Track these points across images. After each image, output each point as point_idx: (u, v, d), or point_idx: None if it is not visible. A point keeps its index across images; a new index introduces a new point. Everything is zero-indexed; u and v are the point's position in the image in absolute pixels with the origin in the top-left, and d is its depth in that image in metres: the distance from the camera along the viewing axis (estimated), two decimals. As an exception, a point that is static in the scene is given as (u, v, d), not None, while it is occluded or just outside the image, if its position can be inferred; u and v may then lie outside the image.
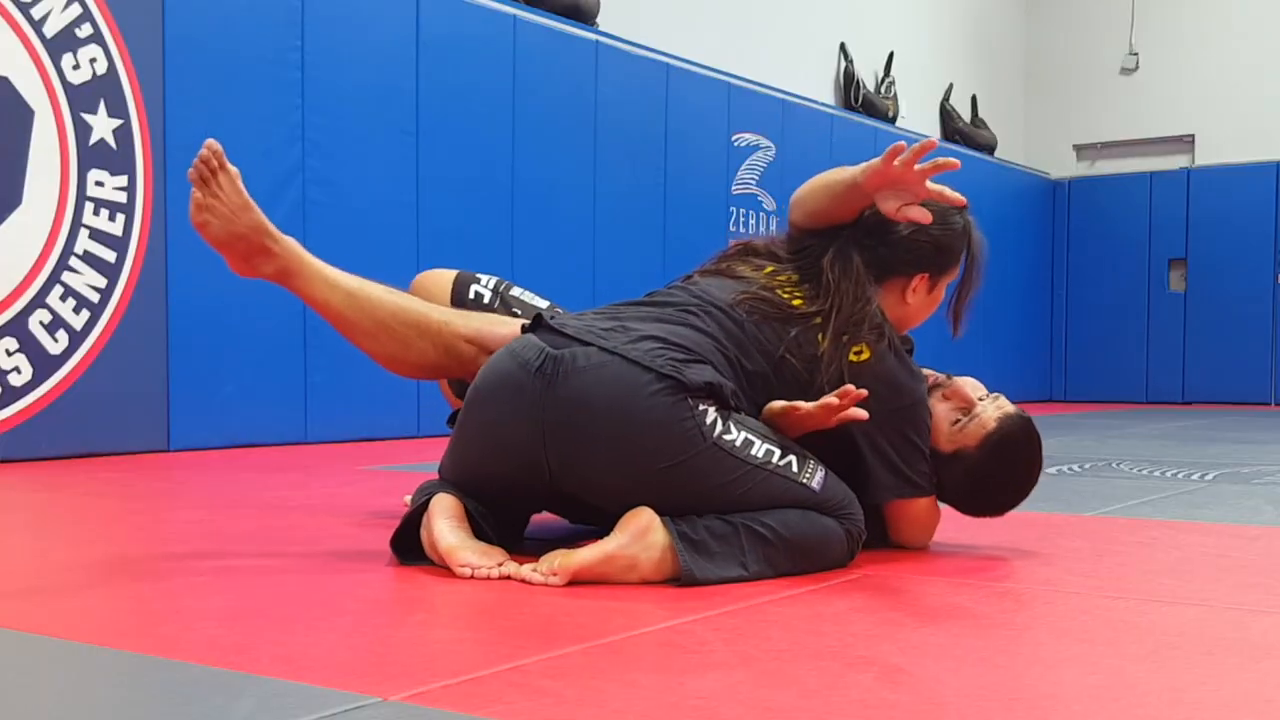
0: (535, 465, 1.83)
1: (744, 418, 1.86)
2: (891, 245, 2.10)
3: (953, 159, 1.96)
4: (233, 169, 1.94)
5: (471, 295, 2.42)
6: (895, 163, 1.95)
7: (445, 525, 1.82)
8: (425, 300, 2.37)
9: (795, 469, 1.84)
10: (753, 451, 1.81)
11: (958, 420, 2.05)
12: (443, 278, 2.48)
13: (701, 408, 1.79)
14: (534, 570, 1.73)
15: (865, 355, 1.96)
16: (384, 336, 2.03)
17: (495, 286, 2.44)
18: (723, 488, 1.79)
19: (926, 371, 2.12)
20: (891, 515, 2.06)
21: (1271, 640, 1.45)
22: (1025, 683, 1.24)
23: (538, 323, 1.92)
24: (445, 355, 2.04)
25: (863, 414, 1.83)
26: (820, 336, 1.98)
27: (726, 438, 1.80)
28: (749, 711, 1.11)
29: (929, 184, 1.96)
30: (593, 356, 1.80)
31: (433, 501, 1.86)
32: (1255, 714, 1.13)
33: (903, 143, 1.99)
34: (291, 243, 2.00)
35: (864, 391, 1.82)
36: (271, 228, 1.97)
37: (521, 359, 1.83)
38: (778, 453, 1.84)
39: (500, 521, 1.92)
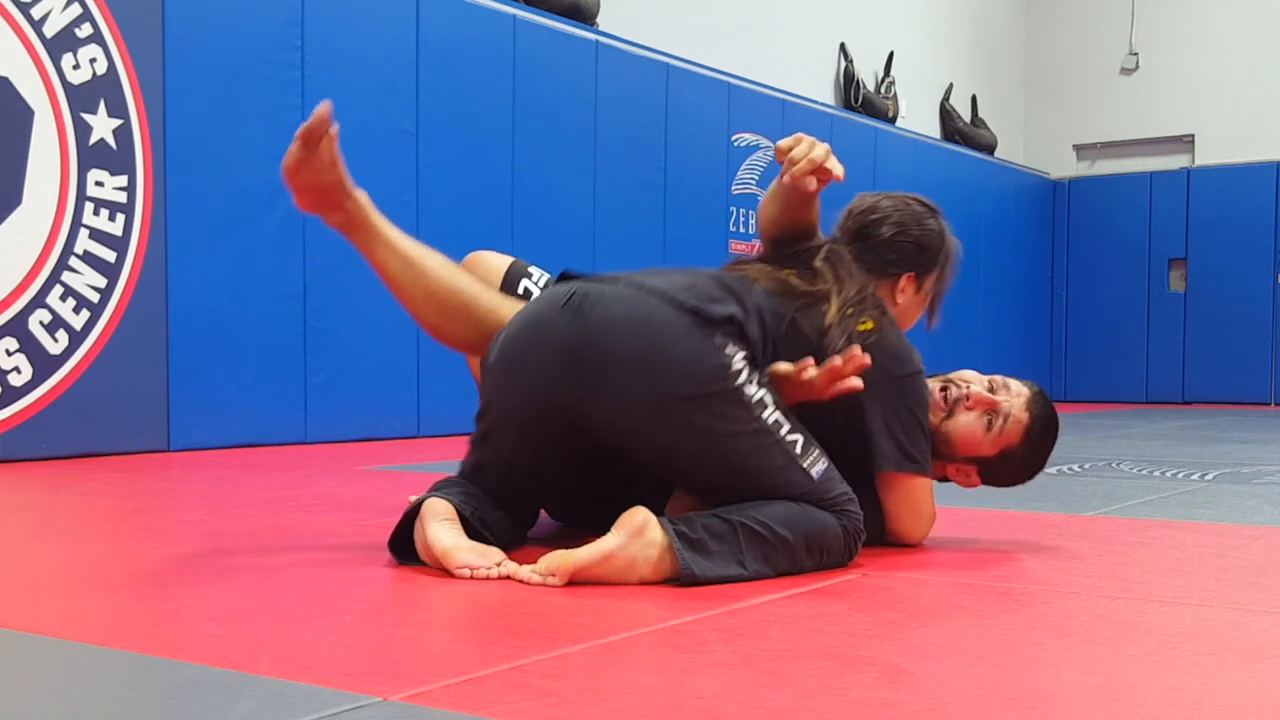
0: (553, 405, 1.85)
1: (768, 384, 1.88)
2: (876, 248, 2.19)
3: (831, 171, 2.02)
4: (333, 129, 1.99)
5: (521, 290, 2.47)
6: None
7: (439, 528, 1.82)
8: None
9: (799, 450, 1.85)
10: (765, 414, 1.83)
11: (991, 424, 2.11)
12: (497, 263, 2.52)
13: (729, 349, 1.82)
14: (532, 571, 1.73)
15: (869, 326, 2.01)
16: (431, 307, 2.06)
17: (546, 284, 2.49)
18: (730, 439, 1.80)
19: (932, 382, 2.15)
20: (888, 493, 2.06)
21: (1271, 640, 1.45)
22: (1025, 683, 1.24)
23: (564, 275, 1.99)
24: (484, 338, 2.07)
25: (859, 384, 1.87)
26: (825, 309, 2.02)
27: (747, 390, 1.82)
28: (749, 711, 1.11)
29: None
30: (621, 291, 1.87)
31: (424, 505, 1.86)
32: (1255, 714, 1.13)
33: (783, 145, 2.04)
34: (363, 201, 2.06)
35: (868, 360, 1.86)
36: (350, 185, 2.02)
37: (550, 298, 1.90)
38: (787, 426, 1.85)
39: (497, 522, 1.93)
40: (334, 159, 1.98)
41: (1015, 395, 2.14)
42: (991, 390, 2.13)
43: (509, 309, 2.07)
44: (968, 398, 2.12)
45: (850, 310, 2.01)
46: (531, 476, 1.98)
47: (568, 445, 1.91)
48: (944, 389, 2.13)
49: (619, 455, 1.91)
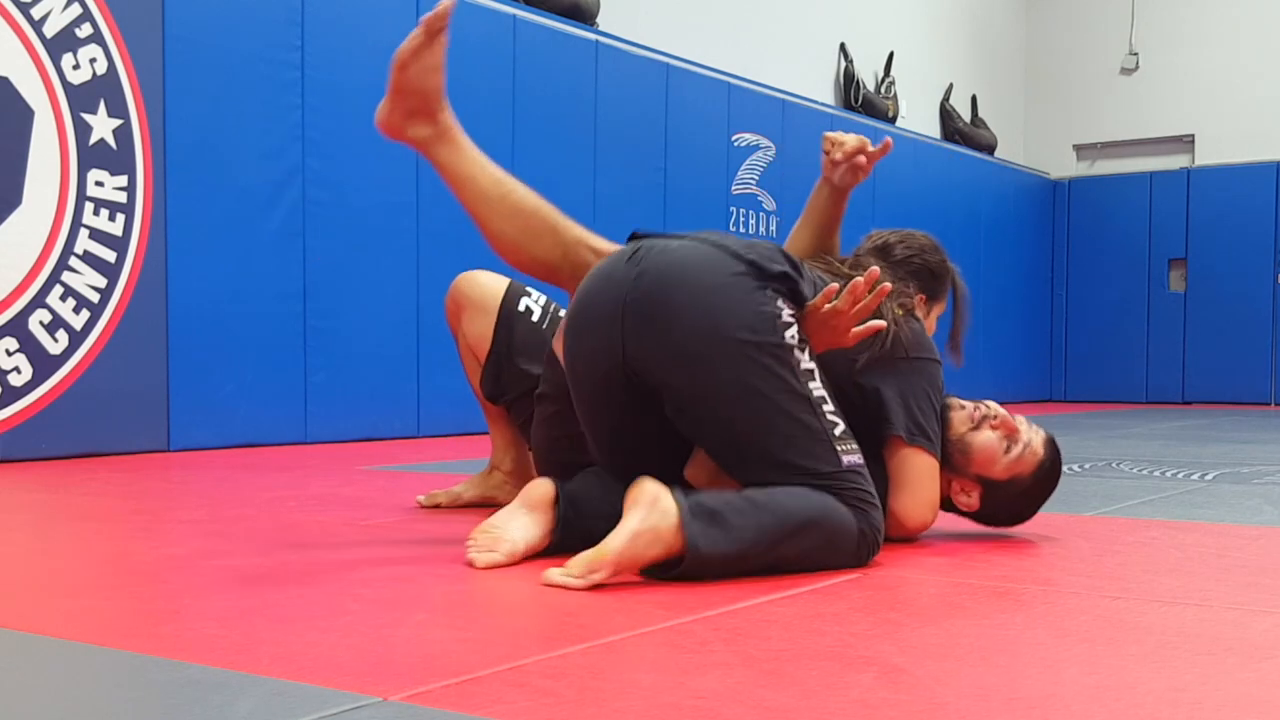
0: (610, 360, 1.90)
1: (815, 356, 1.92)
2: (893, 267, 2.31)
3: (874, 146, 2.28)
4: (445, 36, 2.00)
5: (522, 308, 2.50)
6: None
7: (513, 504, 1.92)
8: (470, 301, 2.54)
9: (837, 433, 1.87)
10: (811, 385, 1.87)
11: (1010, 448, 2.16)
12: (493, 284, 2.57)
13: (781, 305, 1.88)
14: (566, 574, 1.68)
15: (899, 313, 2.12)
16: (518, 223, 2.10)
17: (545, 305, 2.53)
18: (772, 395, 1.83)
19: (958, 401, 2.22)
20: (891, 459, 2.09)
21: (1271, 640, 1.45)
22: (1025, 683, 1.24)
23: (634, 235, 2.07)
24: (565, 260, 2.11)
25: (881, 324, 1.96)
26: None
27: (798, 353, 1.87)
28: (749, 711, 1.11)
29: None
30: (684, 241, 1.95)
31: (534, 482, 1.95)
32: (1255, 714, 1.13)
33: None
34: (454, 118, 2.08)
35: (888, 287, 1.95)
36: (445, 99, 2.05)
37: (617, 255, 1.99)
38: (830, 406, 1.88)
39: (600, 511, 1.92)
40: (441, 63, 2.00)
41: (1035, 432, 2.21)
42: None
43: (598, 241, 2.13)
44: (995, 417, 2.18)
45: (892, 293, 2.13)
46: (633, 442, 2.00)
47: (636, 404, 1.94)
48: (976, 407, 2.20)
49: (667, 409, 1.93)
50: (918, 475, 2.09)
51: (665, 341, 1.86)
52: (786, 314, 1.89)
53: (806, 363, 1.88)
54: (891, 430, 2.07)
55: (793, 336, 1.88)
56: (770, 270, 1.90)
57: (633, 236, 2.05)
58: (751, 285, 1.87)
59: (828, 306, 1.91)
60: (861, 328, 1.93)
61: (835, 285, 1.91)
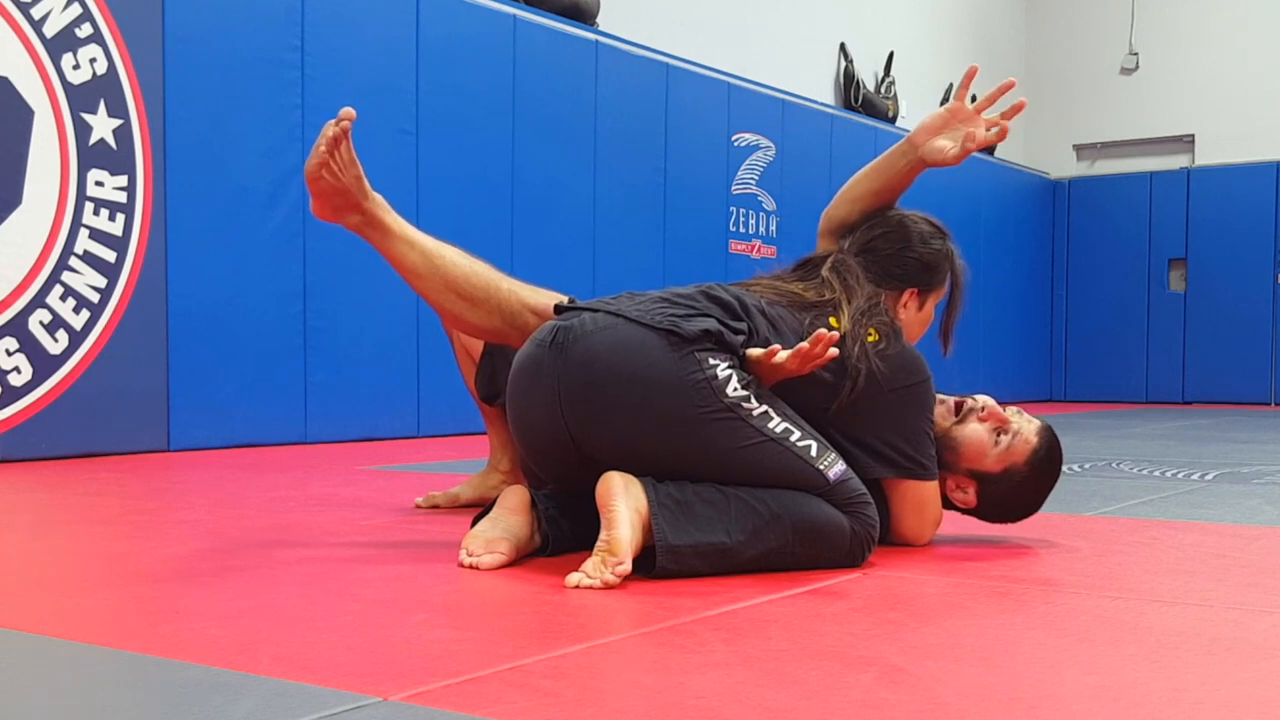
0: (561, 440, 1.89)
1: (774, 397, 1.90)
2: (882, 262, 2.24)
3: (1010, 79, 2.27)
4: (348, 141, 2.01)
5: None
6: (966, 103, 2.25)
7: (493, 512, 1.91)
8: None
9: (814, 453, 1.86)
10: (771, 425, 1.84)
11: (999, 440, 2.12)
12: None
13: (712, 362, 1.83)
14: (589, 577, 1.69)
15: (874, 338, 2.04)
16: (453, 295, 2.10)
17: None
18: (736, 453, 1.81)
19: (946, 396, 2.17)
20: (894, 498, 2.07)
21: (1271, 640, 1.45)
22: (1025, 683, 1.24)
23: (557, 308, 2.03)
24: (507, 322, 2.11)
25: (835, 352, 1.86)
26: (834, 320, 2.05)
27: (746, 405, 1.83)
28: (749, 711, 1.11)
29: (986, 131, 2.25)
30: (599, 320, 1.89)
31: (506, 490, 1.97)
32: (1255, 714, 1.13)
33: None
34: (380, 200, 2.09)
35: (836, 334, 1.85)
36: (368, 186, 2.06)
37: (538, 339, 1.94)
38: (797, 434, 1.86)
39: (575, 516, 1.95)
40: (352, 157, 2.02)
41: (1027, 421, 2.17)
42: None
43: (529, 293, 2.11)
44: (982, 409, 2.14)
45: (864, 317, 2.05)
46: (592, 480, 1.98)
47: (583, 464, 1.92)
48: (960, 401, 2.16)
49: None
50: (918, 503, 2.07)
51: (609, 433, 1.85)
52: (721, 370, 1.84)
53: (759, 407, 1.85)
54: (885, 475, 2.03)
55: (735, 390, 1.83)
56: (689, 333, 1.84)
57: (556, 309, 2.02)
58: (674, 358, 1.82)
59: (775, 360, 1.86)
60: (809, 366, 1.87)
61: (777, 347, 1.86)
